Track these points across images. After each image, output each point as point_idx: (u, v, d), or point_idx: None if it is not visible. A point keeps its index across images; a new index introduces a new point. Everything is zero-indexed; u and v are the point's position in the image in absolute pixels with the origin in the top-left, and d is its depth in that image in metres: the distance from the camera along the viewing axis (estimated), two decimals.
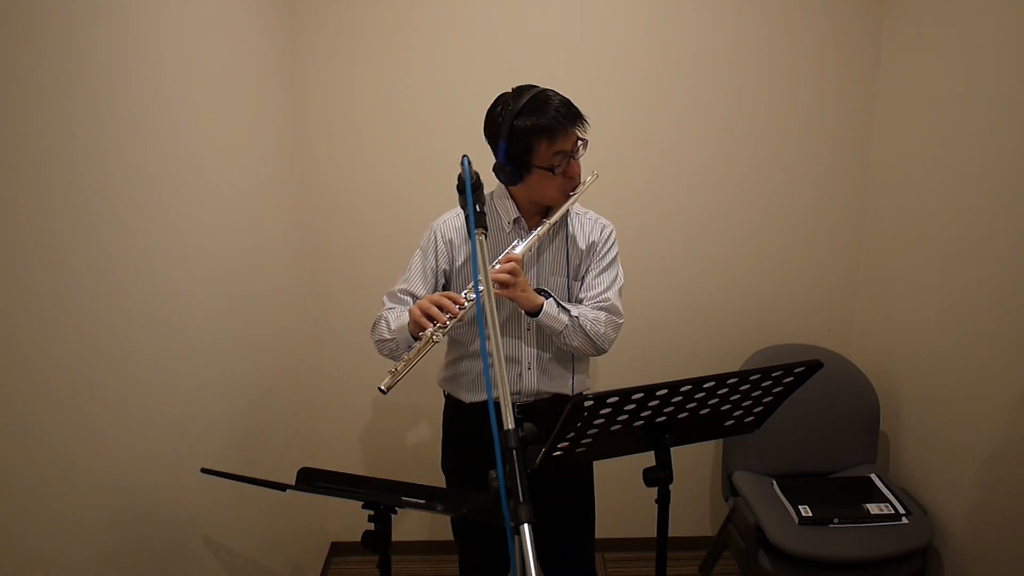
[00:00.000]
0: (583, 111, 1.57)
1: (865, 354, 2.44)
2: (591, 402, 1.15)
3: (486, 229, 1.18)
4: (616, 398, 1.17)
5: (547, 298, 1.62)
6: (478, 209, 1.20)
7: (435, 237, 1.70)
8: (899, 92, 2.25)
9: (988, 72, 1.86)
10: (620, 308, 1.71)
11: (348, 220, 2.43)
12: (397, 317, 1.61)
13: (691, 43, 2.31)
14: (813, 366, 1.27)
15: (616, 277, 1.72)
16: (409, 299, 1.68)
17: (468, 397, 1.73)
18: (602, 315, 1.67)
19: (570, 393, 1.74)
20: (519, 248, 1.60)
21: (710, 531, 2.68)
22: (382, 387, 1.47)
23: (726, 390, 1.26)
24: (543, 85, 1.60)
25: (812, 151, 2.40)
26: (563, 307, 1.64)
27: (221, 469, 1.53)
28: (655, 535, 1.37)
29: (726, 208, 2.43)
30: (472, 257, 1.62)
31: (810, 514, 2.01)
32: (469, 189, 1.20)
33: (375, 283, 2.45)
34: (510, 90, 1.60)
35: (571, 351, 1.69)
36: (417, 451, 2.62)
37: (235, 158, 1.84)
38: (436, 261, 1.69)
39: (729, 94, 2.34)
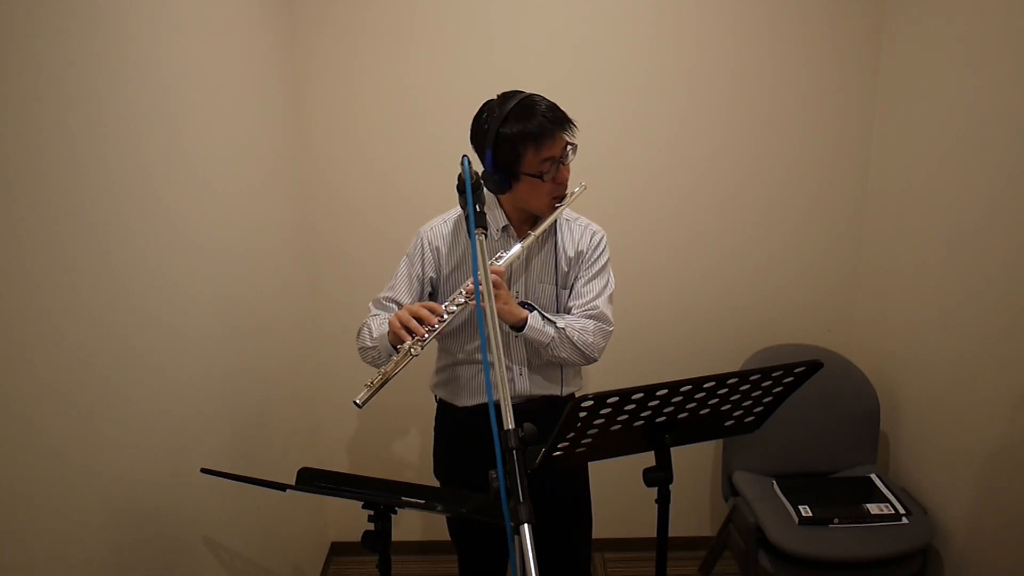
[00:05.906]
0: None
1: (865, 354, 2.44)
2: (591, 402, 1.15)
3: (486, 229, 1.18)
4: (616, 398, 1.17)
5: (531, 311, 1.59)
6: (478, 209, 1.20)
7: (422, 244, 1.66)
8: (900, 93, 2.25)
9: (989, 73, 1.85)
10: (610, 316, 1.67)
11: (348, 220, 2.43)
12: (379, 325, 1.59)
13: (692, 44, 2.31)
14: (813, 366, 1.27)
15: (606, 284, 1.68)
16: (394, 307, 1.65)
17: (464, 401, 1.71)
18: (591, 324, 1.63)
19: (560, 394, 1.72)
20: (502, 260, 1.56)
21: (710, 531, 2.68)
22: (357, 401, 1.43)
23: (726, 390, 1.26)
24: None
25: (813, 152, 2.40)
26: (548, 319, 1.60)
27: (221, 469, 1.53)
28: (655, 535, 1.37)
29: (727, 208, 2.43)
30: (472, 261, 1.58)
31: (810, 514, 2.01)
32: (469, 189, 1.20)
33: (375, 283, 2.45)
34: (495, 97, 1.56)
35: (560, 362, 1.66)
36: (417, 452, 2.62)
37: (234, 158, 1.83)
38: (422, 269, 1.66)
39: (730, 95, 2.34)
